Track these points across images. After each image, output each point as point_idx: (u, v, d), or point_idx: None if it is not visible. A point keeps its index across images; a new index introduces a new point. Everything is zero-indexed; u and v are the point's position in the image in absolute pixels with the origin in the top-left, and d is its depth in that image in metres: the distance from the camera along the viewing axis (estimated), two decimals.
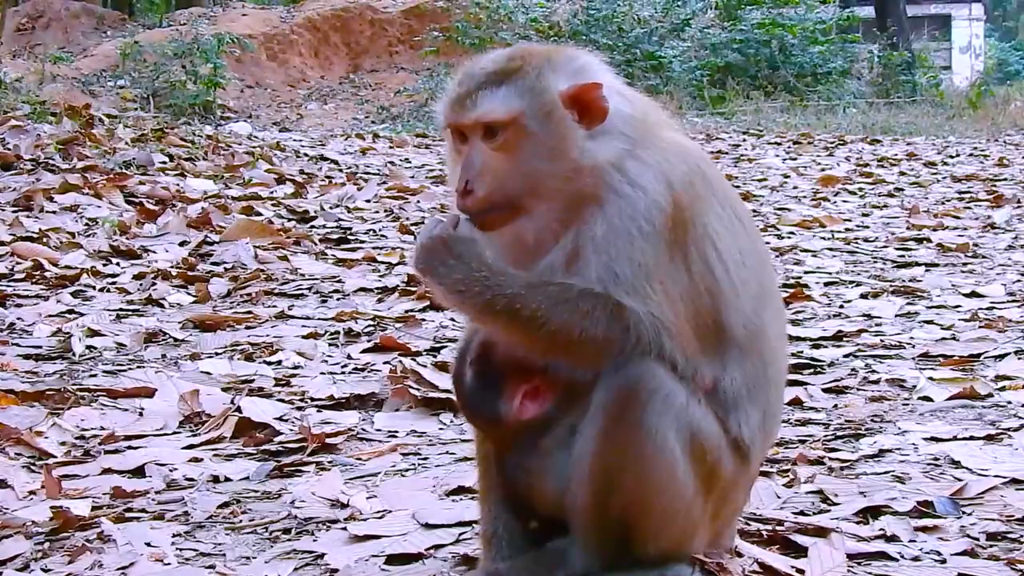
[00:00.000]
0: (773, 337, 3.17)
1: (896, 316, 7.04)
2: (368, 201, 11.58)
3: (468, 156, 3.04)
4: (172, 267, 8.18)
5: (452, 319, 6.90)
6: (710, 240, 3.02)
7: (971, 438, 4.57)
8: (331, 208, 10.91)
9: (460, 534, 3.67)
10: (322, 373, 5.75)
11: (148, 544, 3.70)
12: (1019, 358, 5.82)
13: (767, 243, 8.74)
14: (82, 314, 6.91)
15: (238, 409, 5.03)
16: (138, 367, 5.83)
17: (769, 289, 3.21)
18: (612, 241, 2.95)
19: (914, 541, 3.55)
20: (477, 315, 2.97)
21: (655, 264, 2.94)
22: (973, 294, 7.65)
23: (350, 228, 10.10)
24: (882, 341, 6.34)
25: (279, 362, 5.95)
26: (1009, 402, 5.10)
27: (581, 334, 2.89)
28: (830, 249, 9.79)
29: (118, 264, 8.30)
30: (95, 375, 5.71)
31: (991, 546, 3.51)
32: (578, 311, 2.89)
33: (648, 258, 2.93)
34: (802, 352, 6.00)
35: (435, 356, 5.99)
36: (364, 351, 6.17)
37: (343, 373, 5.78)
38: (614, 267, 2.93)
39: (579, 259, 2.97)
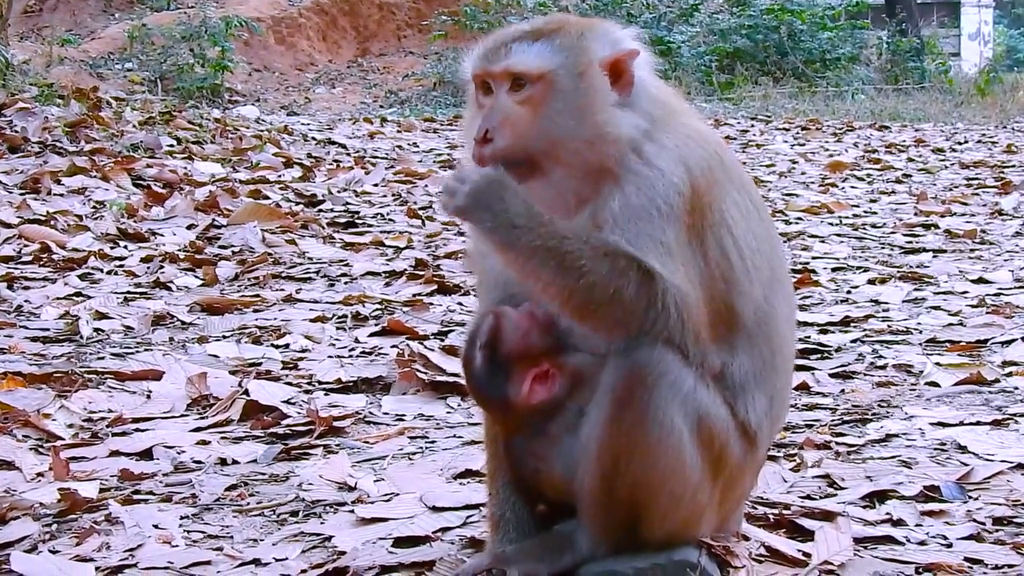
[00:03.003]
0: (782, 323, 3.17)
1: (903, 302, 7.04)
2: (376, 185, 11.57)
3: (492, 106, 3.04)
4: (180, 250, 8.18)
5: (460, 303, 6.91)
6: (726, 226, 3.02)
7: (978, 423, 4.57)
8: (339, 192, 10.90)
9: (467, 517, 3.68)
10: (329, 356, 5.76)
11: (156, 526, 3.71)
12: None
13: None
14: (90, 297, 6.92)
15: (246, 392, 5.04)
16: (146, 350, 5.83)
17: (780, 275, 3.21)
18: (631, 219, 2.95)
19: (920, 525, 3.56)
20: (523, 259, 2.92)
21: (676, 246, 2.94)
22: (980, 280, 7.65)
23: (358, 212, 10.10)
24: (889, 327, 6.34)
25: (287, 345, 5.96)
26: (1016, 388, 5.11)
27: (614, 292, 2.88)
28: (838, 235, 9.78)
29: (126, 247, 8.30)
30: (103, 358, 5.72)
31: (997, 530, 3.51)
32: (616, 267, 2.88)
33: (669, 239, 2.93)
34: (809, 337, 6.01)
35: (442, 340, 6.00)
36: (372, 335, 6.18)
37: (350, 356, 5.78)
38: (638, 242, 2.93)
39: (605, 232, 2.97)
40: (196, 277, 7.58)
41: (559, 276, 2.89)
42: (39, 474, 4.20)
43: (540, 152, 3.02)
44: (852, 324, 6.41)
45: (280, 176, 11.47)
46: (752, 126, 19.54)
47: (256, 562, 3.44)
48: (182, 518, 3.80)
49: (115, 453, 4.47)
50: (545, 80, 3.01)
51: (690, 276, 2.95)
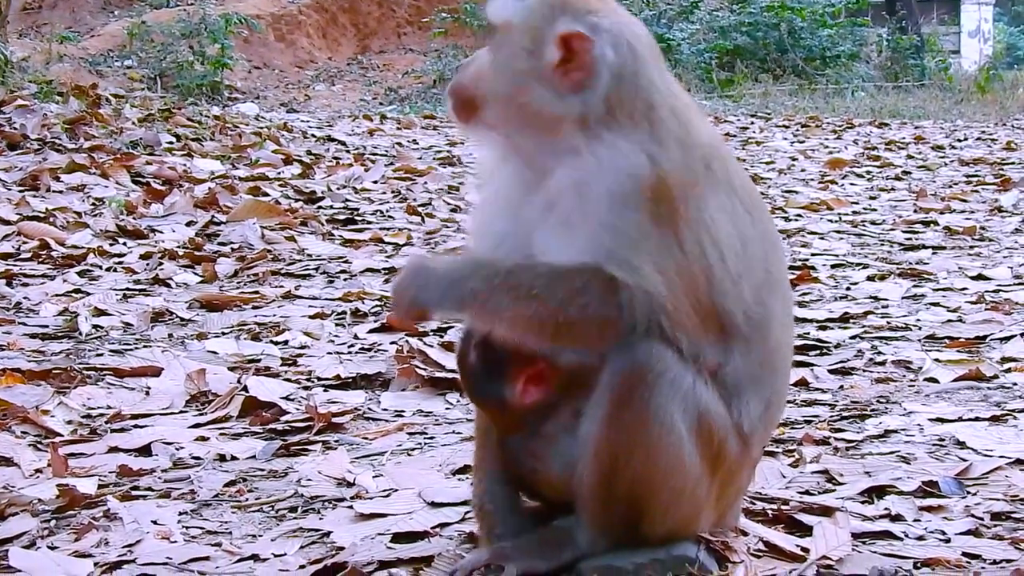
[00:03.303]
0: (778, 327, 3.13)
1: (903, 298, 7.04)
2: (375, 182, 11.57)
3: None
4: (179, 247, 8.18)
5: None
6: (704, 226, 2.95)
7: (976, 419, 4.57)
8: (338, 189, 10.91)
9: (466, 513, 3.67)
10: (329, 353, 5.76)
11: (154, 522, 3.71)
12: None
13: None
14: (88, 293, 6.92)
15: (245, 388, 5.04)
16: (145, 346, 5.83)
17: (777, 277, 3.16)
18: (584, 199, 2.91)
19: (919, 521, 3.56)
20: (479, 308, 2.91)
21: (638, 234, 2.88)
22: (980, 276, 7.65)
23: (357, 209, 10.10)
24: (888, 323, 6.34)
25: (286, 342, 5.96)
26: (1015, 384, 5.11)
27: (579, 311, 2.85)
28: (837, 231, 9.77)
29: (125, 244, 8.31)
30: (101, 354, 5.72)
31: (995, 526, 3.51)
32: (572, 287, 2.85)
33: (629, 226, 2.88)
34: (808, 333, 6.00)
35: (442, 336, 6.00)
36: (371, 331, 6.17)
37: (350, 353, 5.78)
38: (596, 234, 2.89)
39: (556, 216, 2.95)
40: (195, 274, 7.58)
41: (518, 311, 2.88)
42: (38, 470, 4.20)
43: (480, 99, 3.06)
44: (851, 320, 6.40)
45: (279, 173, 11.47)
46: (752, 123, 19.55)
47: (255, 558, 3.44)
48: (181, 514, 3.80)
49: (114, 449, 4.47)
50: (502, 30, 3.05)
51: (663, 268, 2.89)
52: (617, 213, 2.88)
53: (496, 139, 3.13)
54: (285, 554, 3.45)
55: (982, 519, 3.55)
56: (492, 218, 3.18)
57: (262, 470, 4.23)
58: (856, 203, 11.54)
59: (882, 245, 9.16)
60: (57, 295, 6.86)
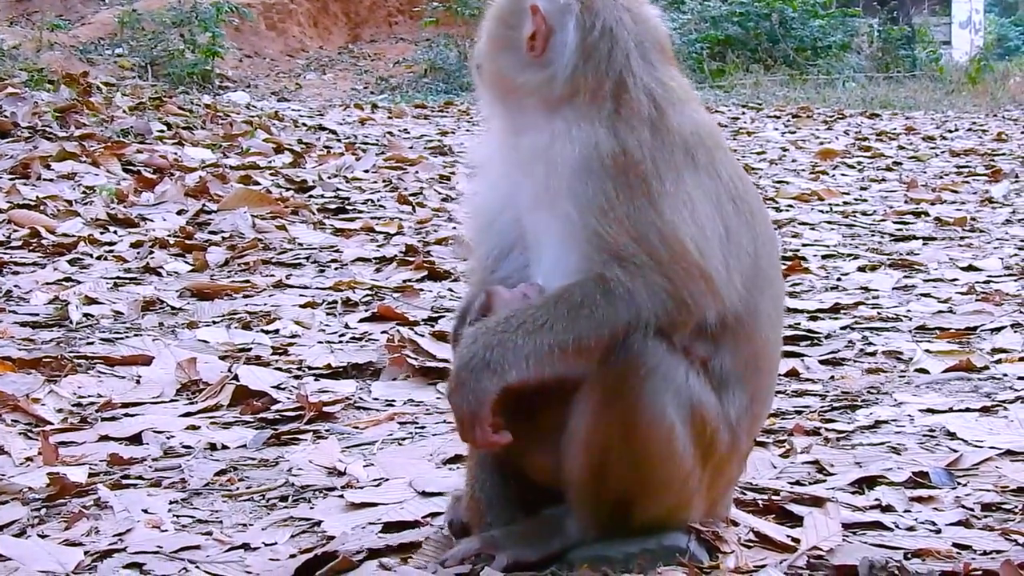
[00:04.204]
0: (767, 324, 3.14)
1: (893, 289, 7.05)
2: (366, 171, 11.55)
3: None
4: (170, 236, 8.17)
5: (450, 289, 6.91)
6: (682, 200, 2.95)
7: (967, 410, 4.58)
8: (329, 178, 10.89)
9: (456, 500, 3.67)
10: (319, 342, 5.76)
11: (145, 511, 3.71)
12: (1015, 331, 5.83)
13: None
14: (79, 282, 6.91)
15: (235, 377, 5.03)
16: (135, 335, 5.83)
17: (768, 273, 3.16)
18: (551, 173, 2.98)
19: (909, 511, 3.56)
20: (515, 362, 2.88)
21: (606, 202, 2.91)
22: (970, 267, 7.66)
23: (348, 198, 10.09)
24: (879, 314, 6.34)
25: (277, 331, 5.96)
26: (1005, 374, 5.12)
27: (590, 321, 2.87)
28: (828, 222, 9.78)
29: (115, 232, 8.29)
30: (92, 343, 5.71)
31: (985, 516, 3.52)
32: (575, 305, 2.88)
33: (596, 194, 2.92)
34: (799, 324, 6.01)
35: (432, 325, 6.00)
36: (362, 320, 6.17)
37: (340, 342, 5.78)
38: (566, 203, 2.94)
39: (531, 185, 3.07)
40: (186, 262, 7.57)
41: (546, 347, 2.88)
42: (28, 459, 4.20)
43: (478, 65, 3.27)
44: (842, 311, 6.41)
45: (270, 162, 11.45)
46: (743, 114, 19.56)
47: (245, 547, 3.44)
48: (171, 503, 3.80)
49: (104, 438, 4.46)
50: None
51: (640, 232, 2.90)
52: (582, 181, 2.93)
53: (488, 107, 3.27)
54: (275, 543, 3.45)
55: (972, 510, 3.56)
56: (485, 196, 3.30)
57: (253, 459, 4.23)
58: (847, 194, 11.55)
59: (873, 236, 9.17)
60: (48, 283, 6.85)
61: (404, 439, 4.43)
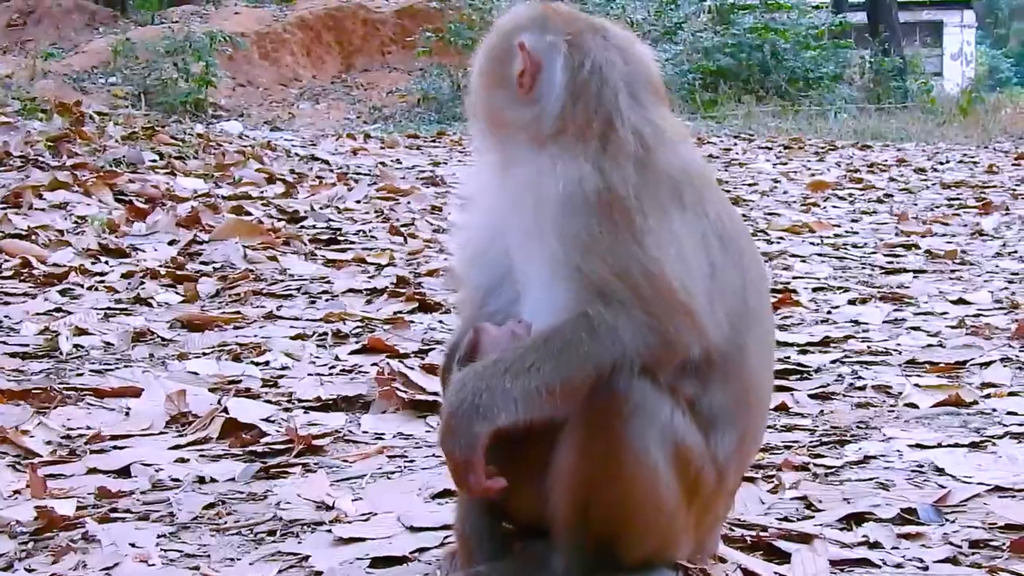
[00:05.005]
0: (756, 362, 3.14)
1: (883, 322, 7.05)
2: (358, 202, 11.57)
3: None
4: (161, 266, 8.16)
5: (441, 321, 6.91)
6: (667, 237, 2.95)
7: (956, 445, 4.57)
8: (321, 208, 10.90)
9: (445, 537, 3.67)
10: (310, 374, 5.75)
11: (133, 544, 3.70)
12: (1005, 366, 5.84)
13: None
14: (70, 312, 6.90)
15: (225, 410, 5.02)
16: (125, 366, 5.82)
17: (757, 312, 3.16)
18: (538, 210, 2.99)
19: (897, 548, 3.56)
20: (504, 404, 2.87)
21: (590, 238, 2.91)
22: (960, 301, 7.67)
23: (340, 229, 10.10)
24: (869, 347, 6.35)
25: (267, 363, 5.95)
26: (994, 409, 5.11)
27: (577, 359, 2.86)
28: (819, 254, 9.80)
29: (107, 262, 8.29)
30: (82, 374, 5.70)
31: (974, 553, 3.51)
32: (562, 344, 2.87)
33: (580, 230, 2.91)
34: (789, 357, 6.01)
35: (423, 358, 5.99)
36: (352, 352, 6.17)
37: (331, 374, 5.78)
38: (551, 239, 2.94)
39: (519, 221, 3.08)
40: (177, 293, 7.56)
41: (534, 389, 2.86)
42: (16, 491, 4.18)
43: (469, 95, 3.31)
44: (832, 344, 6.41)
45: (263, 192, 11.46)
46: (735, 144, 19.61)
47: None
48: (159, 536, 3.79)
49: (93, 470, 4.45)
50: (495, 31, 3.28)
51: (623, 267, 2.89)
52: (566, 216, 2.94)
53: (480, 140, 3.31)
54: None
55: (960, 547, 3.56)
56: (475, 229, 3.32)
57: (241, 493, 4.22)
58: (838, 226, 11.58)
59: (863, 268, 9.19)
60: (38, 314, 6.84)
61: (393, 473, 4.42)
